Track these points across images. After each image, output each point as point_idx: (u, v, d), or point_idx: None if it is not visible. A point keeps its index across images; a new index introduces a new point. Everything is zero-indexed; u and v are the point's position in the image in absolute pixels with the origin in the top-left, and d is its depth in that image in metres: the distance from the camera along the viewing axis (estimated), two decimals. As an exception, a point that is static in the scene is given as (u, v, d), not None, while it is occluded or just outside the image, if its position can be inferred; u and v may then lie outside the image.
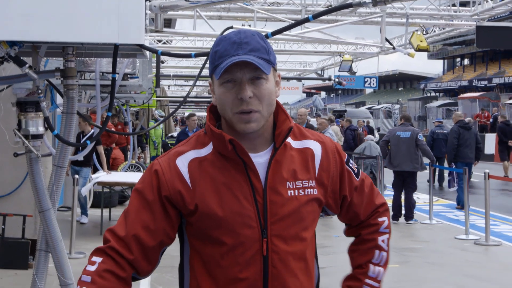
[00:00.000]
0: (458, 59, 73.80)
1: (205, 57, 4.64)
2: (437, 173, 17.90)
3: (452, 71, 73.21)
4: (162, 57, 23.28)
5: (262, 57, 2.01)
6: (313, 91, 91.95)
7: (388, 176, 15.56)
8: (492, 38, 16.30)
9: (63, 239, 4.00)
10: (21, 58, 3.50)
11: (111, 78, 3.85)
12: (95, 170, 12.38)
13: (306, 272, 2.13)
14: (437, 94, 69.86)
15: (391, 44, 17.95)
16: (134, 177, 11.49)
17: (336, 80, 24.35)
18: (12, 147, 4.16)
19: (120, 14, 3.14)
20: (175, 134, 22.15)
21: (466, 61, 72.25)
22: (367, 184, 2.31)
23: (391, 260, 7.76)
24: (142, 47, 3.42)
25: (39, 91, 3.56)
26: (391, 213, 12.12)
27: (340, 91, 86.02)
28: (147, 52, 4.11)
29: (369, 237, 2.30)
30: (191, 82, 33.13)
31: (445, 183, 17.07)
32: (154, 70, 12.33)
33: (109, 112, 4.01)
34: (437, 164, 16.54)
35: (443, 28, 22.19)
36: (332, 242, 9.71)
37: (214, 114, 2.15)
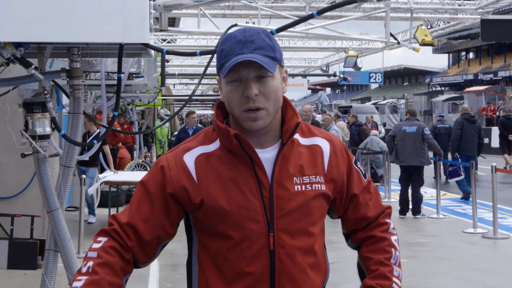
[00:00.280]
0: (463, 53, 73.59)
1: (210, 55, 4.64)
2: (441, 167, 17.90)
3: (457, 65, 73.01)
4: (167, 56, 23.31)
5: (267, 55, 2.02)
6: (318, 87, 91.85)
7: (394, 171, 15.55)
8: (497, 31, 16.25)
9: (71, 239, 4.02)
10: (27, 59, 3.51)
11: (116, 78, 3.86)
12: (102, 170, 12.42)
13: (315, 267, 2.13)
14: (443, 88, 69.67)
15: (395, 39, 17.91)
16: (140, 176, 11.46)
17: (341, 76, 24.28)
18: (19, 148, 4.17)
19: (125, 13, 3.14)
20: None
21: (471, 55, 72.04)
22: (373, 186, 2.31)
23: (400, 254, 7.76)
24: (147, 46, 3.43)
25: (46, 92, 3.57)
26: (398, 208, 12.14)
27: (345, 87, 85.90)
28: (152, 51, 4.12)
29: (383, 235, 2.25)
30: (196, 81, 33.15)
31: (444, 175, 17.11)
32: (159, 69, 12.35)
33: (115, 112, 4.02)
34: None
35: (448, 22, 22.14)
36: (340, 238, 9.67)
37: (222, 111, 2.16)
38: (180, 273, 7.58)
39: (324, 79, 79.41)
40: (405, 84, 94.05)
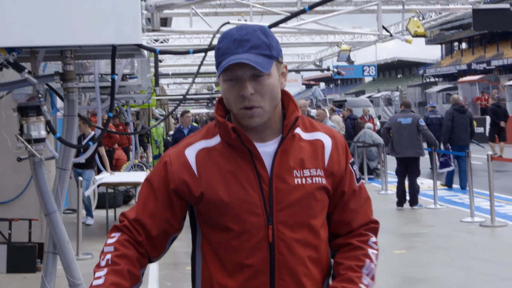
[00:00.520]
0: (456, 44, 73.64)
1: (203, 54, 4.65)
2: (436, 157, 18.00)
3: (450, 56, 73.06)
4: (160, 56, 23.29)
5: (262, 54, 2.04)
6: (312, 82, 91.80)
7: (390, 163, 15.59)
8: (489, 21, 16.26)
9: (70, 241, 4.03)
10: (20, 63, 3.51)
11: (110, 80, 3.86)
12: (99, 172, 12.42)
13: (316, 261, 2.14)
14: (437, 79, 69.73)
15: (388, 31, 17.92)
16: (137, 176, 11.52)
17: (335, 70, 24.32)
18: (15, 152, 4.18)
19: (117, 15, 3.16)
20: (176, 132, 22.15)
21: (464, 45, 72.09)
22: (364, 194, 2.28)
23: (398, 246, 7.83)
24: (140, 46, 3.44)
25: (40, 96, 3.58)
26: (395, 199, 12.18)
27: (339, 81, 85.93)
28: (145, 52, 4.13)
29: (360, 244, 2.19)
30: (190, 80, 33.13)
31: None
32: (152, 70, 12.35)
33: (110, 113, 4.03)
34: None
35: (440, 13, 22.14)
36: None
37: (223, 106, 2.18)
38: (180, 272, 7.60)
39: (317, 74, 79.43)
40: (398, 76, 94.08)
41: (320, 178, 2.14)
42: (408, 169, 12.12)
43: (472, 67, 60.86)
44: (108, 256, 2.11)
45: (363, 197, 2.27)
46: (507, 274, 7.39)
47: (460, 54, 70.68)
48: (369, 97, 51.32)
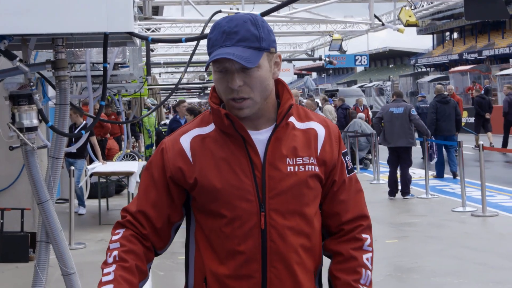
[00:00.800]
0: (447, 33, 73.75)
1: (195, 42, 4.63)
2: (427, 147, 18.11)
3: (442, 46, 73.19)
4: (152, 45, 23.19)
5: (251, 46, 2.03)
6: (304, 72, 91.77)
7: (382, 153, 15.63)
8: (481, 10, 16.25)
9: (62, 230, 4.02)
10: (11, 51, 3.49)
11: (102, 68, 3.84)
12: (91, 162, 12.39)
13: (308, 249, 2.15)
14: (428, 69, 69.83)
15: (380, 20, 17.92)
16: (129, 166, 11.50)
17: (327, 59, 24.33)
18: (6, 141, 4.15)
19: (108, 2, 3.13)
20: (167, 121, 22.10)
21: (455, 35, 72.20)
22: (355, 186, 2.28)
23: (390, 235, 7.84)
24: (132, 34, 3.41)
25: (32, 84, 3.56)
26: (387, 189, 12.21)
27: (331, 71, 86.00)
28: (137, 40, 4.11)
29: (354, 254, 2.20)
30: (181, 69, 33.06)
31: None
32: (144, 59, 12.29)
33: (103, 102, 4.01)
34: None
35: (431, 2, 22.16)
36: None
37: (218, 94, 2.18)
38: (173, 261, 7.60)
39: (309, 63, 79.34)
40: (390, 66, 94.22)
41: (312, 166, 2.14)
42: (400, 159, 12.15)
43: (464, 57, 61.01)
44: (115, 253, 2.11)
45: (353, 189, 2.27)
46: (499, 263, 7.43)
47: (451, 44, 70.80)
48: (360, 87, 51.33)
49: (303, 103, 16.18)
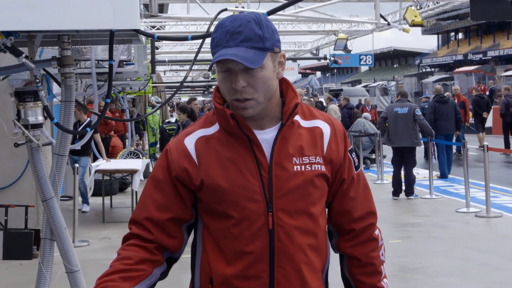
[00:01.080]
0: (452, 34, 73.60)
1: (201, 41, 4.62)
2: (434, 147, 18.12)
3: (446, 46, 73.06)
4: (157, 43, 23.20)
5: (254, 47, 2.02)
6: (308, 71, 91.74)
7: (386, 153, 15.62)
8: (487, 10, 16.21)
9: (66, 228, 4.02)
10: (17, 48, 3.49)
11: (107, 66, 3.84)
12: (95, 159, 12.40)
13: (315, 249, 2.14)
14: (433, 69, 69.74)
15: (386, 20, 17.89)
16: (133, 164, 11.50)
17: (332, 59, 24.30)
18: (11, 138, 4.16)
19: (115, 0, 3.13)
20: (172, 120, 22.10)
21: (460, 35, 72.07)
22: (363, 182, 2.30)
23: (394, 235, 7.82)
24: (138, 32, 3.42)
25: (37, 81, 3.56)
26: (391, 189, 12.19)
27: (335, 70, 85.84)
28: (143, 38, 4.10)
29: (373, 256, 2.27)
30: (186, 67, 33.05)
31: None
32: (149, 57, 12.28)
33: (108, 99, 4.01)
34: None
35: (437, 2, 22.11)
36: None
37: (221, 94, 2.17)
38: (176, 268, 7.59)
39: (314, 63, 79.37)
40: (395, 66, 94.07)
41: (319, 166, 2.13)
42: (404, 159, 12.13)
43: (469, 58, 60.89)
44: (112, 263, 2.11)
45: (362, 185, 2.28)
46: (502, 264, 7.41)
47: (456, 45, 70.66)
48: (365, 86, 51.32)
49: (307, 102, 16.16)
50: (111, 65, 3.80)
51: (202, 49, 4.93)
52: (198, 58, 5.24)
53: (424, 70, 71.31)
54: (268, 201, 2.07)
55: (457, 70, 45.91)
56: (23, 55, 3.44)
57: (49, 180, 3.75)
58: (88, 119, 10.98)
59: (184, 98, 46.13)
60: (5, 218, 7.74)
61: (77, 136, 10.06)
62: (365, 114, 19.24)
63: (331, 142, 2.18)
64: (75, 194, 9.11)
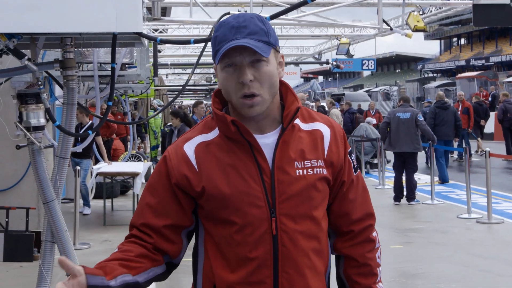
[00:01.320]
0: (455, 39, 73.56)
1: (203, 44, 4.63)
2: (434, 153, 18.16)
3: (449, 51, 73.02)
4: (159, 46, 23.21)
5: (261, 40, 2.02)
6: (310, 75, 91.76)
7: (390, 158, 15.60)
8: (489, 16, 16.24)
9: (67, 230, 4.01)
10: (20, 50, 3.49)
11: (109, 69, 3.84)
12: (96, 162, 12.39)
13: (318, 252, 2.13)
14: (435, 74, 69.70)
15: (388, 25, 17.88)
16: (135, 167, 11.50)
17: (334, 63, 24.28)
18: (13, 140, 4.15)
19: (118, 3, 3.13)
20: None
21: (462, 41, 72.03)
22: (362, 184, 2.30)
23: (395, 241, 7.79)
24: (140, 35, 3.42)
25: (39, 83, 3.56)
26: (392, 194, 12.18)
27: (337, 75, 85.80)
28: (145, 41, 4.11)
29: (369, 257, 2.26)
30: (188, 71, 33.07)
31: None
32: (151, 60, 12.29)
33: (110, 102, 4.01)
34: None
35: (440, 8, 22.13)
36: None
37: (220, 99, 2.17)
38: (175, 271, 7.57)
39: (316, 67, 79.37)
40: (397, 71, 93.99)
41: (321, 169, 2.13)
42: (405, 164, 12.11)
43: (471, 63, 60.85)
44: (112, 254, 2.11)
45: (360, 187, 2.28)
46: (504, 270, 7.39)
47: (458, 50, 70.62)
48: (367, 91, 51.28)
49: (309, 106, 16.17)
50: (114, 68, 3.80)
51: (204, 53, 4.94)
52: (200, 61, 5.24)
53: (426, 75, 71.27)
54: (271, 206, 2.06)
55: (459, 75, 45.89)
56: (26, 57, 3.44)
57: (50, 182, 3.75)
58: (90, 121, 10.98)
59: (186, 102, 46.19)
60: (6, 220, 7.74)
61: (79, 138, 10.08)
62: (369, 118, 19.22)
63: (331, 144, 2.18)
64: (76, 196, 9.11)
